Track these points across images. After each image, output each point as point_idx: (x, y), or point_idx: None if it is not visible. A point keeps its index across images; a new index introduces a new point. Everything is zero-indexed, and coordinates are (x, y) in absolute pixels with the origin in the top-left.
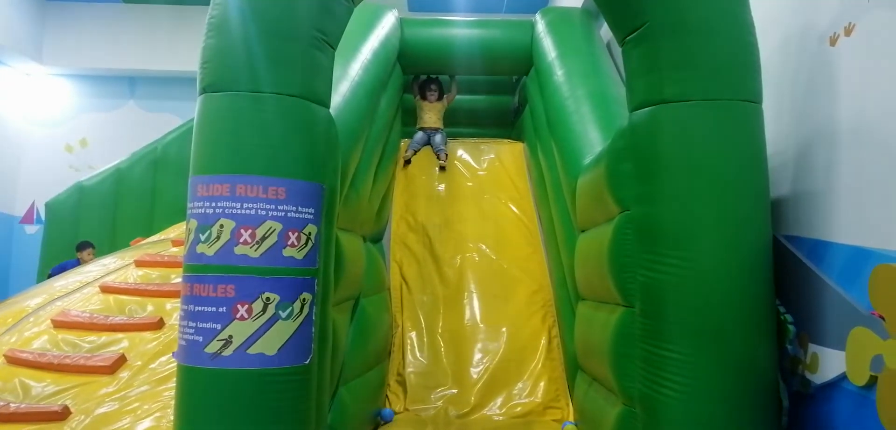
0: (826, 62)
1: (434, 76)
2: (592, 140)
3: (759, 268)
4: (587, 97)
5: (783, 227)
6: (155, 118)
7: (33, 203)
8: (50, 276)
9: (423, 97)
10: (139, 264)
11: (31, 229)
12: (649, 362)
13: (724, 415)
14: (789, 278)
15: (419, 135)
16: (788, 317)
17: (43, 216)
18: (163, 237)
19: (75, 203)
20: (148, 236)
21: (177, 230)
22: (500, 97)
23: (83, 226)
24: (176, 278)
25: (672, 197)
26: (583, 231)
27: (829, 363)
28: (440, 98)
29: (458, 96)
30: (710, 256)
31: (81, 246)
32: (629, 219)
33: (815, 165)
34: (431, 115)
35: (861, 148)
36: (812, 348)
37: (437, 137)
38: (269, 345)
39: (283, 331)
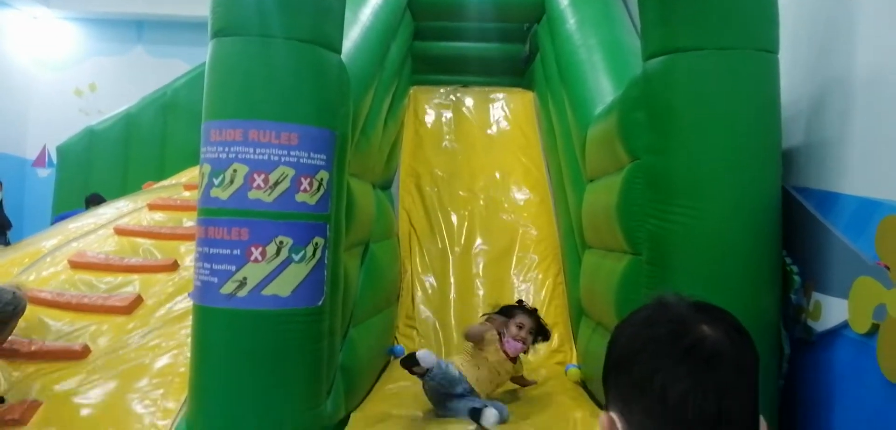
0: (844, 8)
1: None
2: (604, 90)
3: (767, 219)
4: (599, 46)
5: (793, 178)
6: (163, 64)
7: (44, 147)
8: (86, 204)
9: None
10: (152, 207)
11: (43, 173)
12: None
13: None
14: (797, 229)
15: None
16: (794, 267)
17: (54, 160)
18: (174, 182)
19: (86, 147)
20: (159, 180)
21: (188, 175)
22: (511, 45)
23: (94, 169)
24: (188, 221)
25: (683, 147)
26: (591, 181)
27: (832, 312)
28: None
29: (468, 44)
30: (720, 206)
31: (94, 199)
32: (639, 168)
33: (828, 116)
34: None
35: (877, 98)
36: (816, 296)
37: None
38: (283, 287)
39: (297, 273)
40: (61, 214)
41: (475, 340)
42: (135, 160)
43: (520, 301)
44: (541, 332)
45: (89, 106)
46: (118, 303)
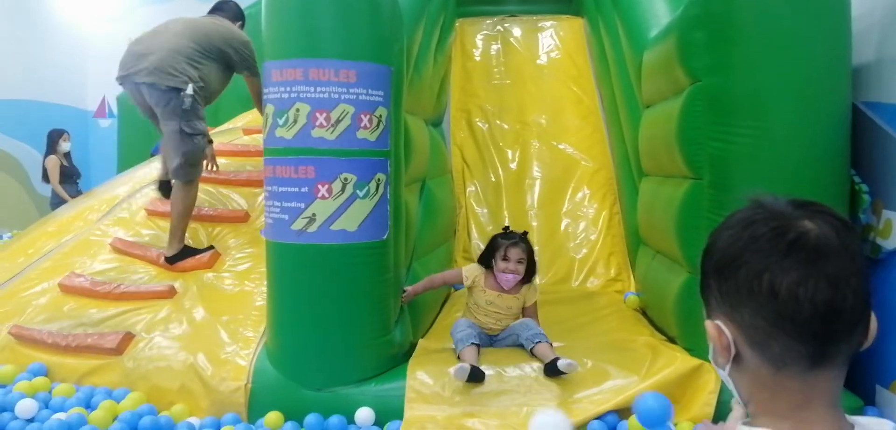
0: None
1: (516, 240)
2: (659, 11)
3: (834, 137)
4: None
5: (864, 93)
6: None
7: (104, 98)
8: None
9: (489, 266)
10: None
11: (105, 123)
12: None
13: None
14: (867, 145)
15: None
16: (863, 186)
17: (115, 110)
18: (231, 126)
19: None
20: (214, 126)
21: (243, 119)
22: None
23: None
24: (249, 166)
25: (746, 65)
26: (648, 107)
27: None
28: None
29: None
30: (784, 126)
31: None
32: (700, 90)
33: None
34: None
35: None
36: (886, 214)
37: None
38: (350, 222)
39: (362, 209)
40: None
41: (443, 285)
42: None
43: (505, 228)
44: (530, 262)
45: None
46: (199, 261)
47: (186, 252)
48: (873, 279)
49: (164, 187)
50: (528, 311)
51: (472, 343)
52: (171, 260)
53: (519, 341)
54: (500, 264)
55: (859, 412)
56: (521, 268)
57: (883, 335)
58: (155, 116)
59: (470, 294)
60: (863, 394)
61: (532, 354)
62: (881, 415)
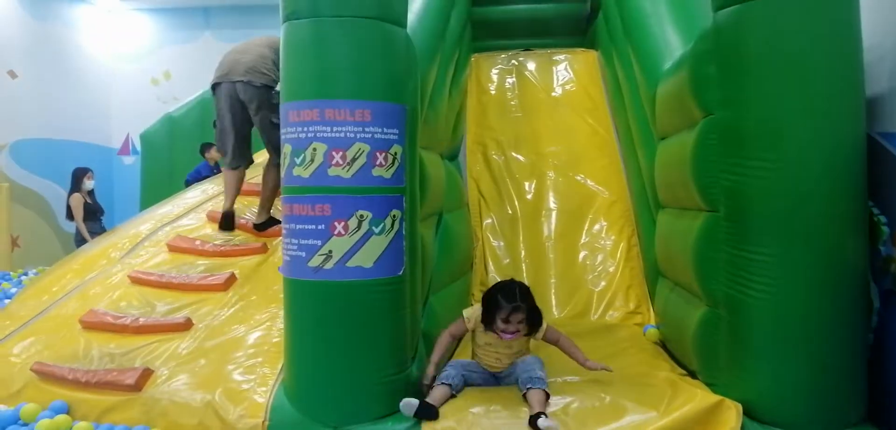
0: None
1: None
2: (672, 44)
3: (850, 167)
4: None
5: (879, 124)
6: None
7: (128, 136)
8: (186, 184)
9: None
10: (245, 193)
11: (129, 160)
12: (734, 264)
13: (810, 315)
14: (885, 176)
15: (449, 368)
16: (882, 218)
17: (138, 147)
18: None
19: (167, 133)
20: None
21: (265, 156)
22: (572, 4)
23: (176, 154)
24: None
25: (758, 98)
26: (663, 139)
27: None
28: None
29: (527, 6)
30: (798, 156)
31: (206, 147)
32: (713, 123)
33: None
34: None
35: None
36: None
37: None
38: (366, 258)
39: (378, 245)
40: (193, 171)
41: (453, 339)
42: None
43: (511, 280)
44: (533, 317)
45: (165, 94)
46: (215, 282)
47: (272, 221)
48: (893, 313)
49: (227, 221)
50: (562, 345)
51: (444, 384)
52: (260, 227)
53: (517, 382)
54: (500, 325)
55: None
56: (524, 327)
57: None
58: (237, 113)
59: (472, 335)
60: (889, 429)
61: (524, 398)
62: None
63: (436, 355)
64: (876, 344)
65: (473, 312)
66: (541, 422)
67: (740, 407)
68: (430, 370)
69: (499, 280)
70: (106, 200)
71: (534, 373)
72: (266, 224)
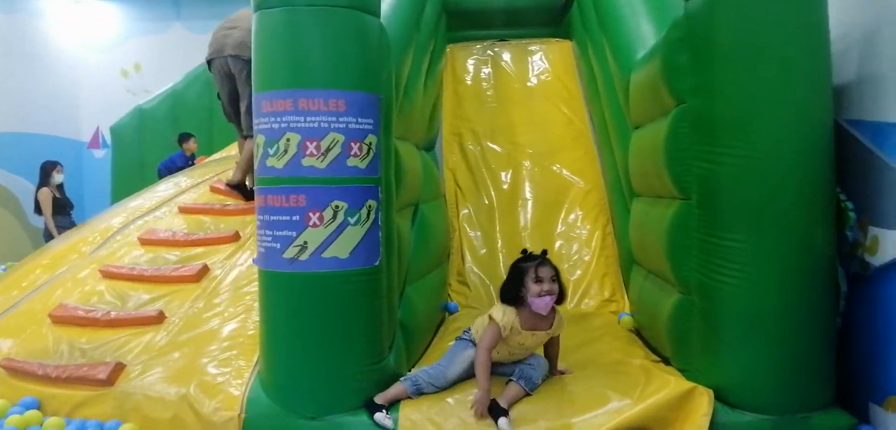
0: None
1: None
2: (645, 34)
3: (819, 154)
4: None
5: (846, 111)
6: (202, 39)
7: (97, 128)
8: (159, 173)
9: (517, 300)
10: (213, 190)
11: (99, 153)
12: (706, 251)
13: (780, 301)
14: (851, 163)
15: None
16: (849, 203)
17: (108, 141)
18: (225, 155)
19: (137, 126)
20: (208, 154)
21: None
22: None
23: (147, 147)
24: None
25: (729, 87)
26: (637, 128)
27: (890, 245)
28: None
29: None
30: (769, 144)
31: (184, 137)
32: (685, 111)
33: (882, 46)
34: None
35: None
36: (872, 231)
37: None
38: (342, 249)
39: (353, 236)
40: (166, 160)
41: (492, 348)
42: None
43: (524, 251)
44: (559, 281)
45: (135, 86)
46: (187, 273)
47: (244, 189)
48: (862, 296)
49: (242, 188)
50: (553, 342)
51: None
52: (234, 186)
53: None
54: (533, 287)
55: (852, 429)
56: (556, 287)
57: (875, 352)
58: (233, 87)
59: (504, 343)
60: (856, 412)
61: (505, 385)
62: None
63: (485, 381)
64: (843, 328)
65: (506, 317)
66: (501, 422)
67: (712, 393)
68: (483, 399)
69: (477, 270)
70: (75, 195)
71: (529, 372)
72: (239, 188)
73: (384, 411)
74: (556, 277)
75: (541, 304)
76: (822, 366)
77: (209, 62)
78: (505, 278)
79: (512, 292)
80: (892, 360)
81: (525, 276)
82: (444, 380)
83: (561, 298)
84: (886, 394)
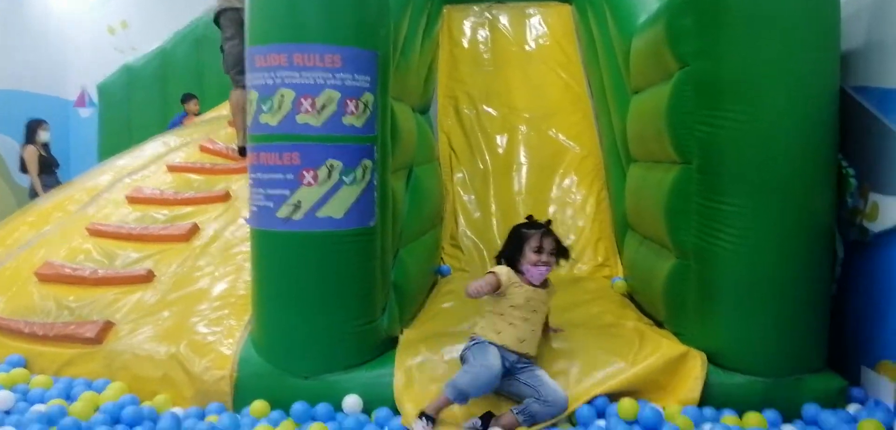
0: None
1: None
2: None
3: (823, 121)
4: None
5: (852, 78)
6: None
7: (83, 87)
8: (169, 128)
9: (517, 267)
10: (203, 149)
11: (85, 112)
12: (705, 215)
13: (777, 266)
14: (855, 129)
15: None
16: (851, 170)
17: (95, 99)
18: (216, 115)
19: (125, 84)
20: (199, 114)
21: (227, 107)
22: None
23: (135, 106)
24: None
25: (734, 50)
26: (636, 92)
27: (890, 212)
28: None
29: None
30: (773, 109)
31: (186, 97)
32: (689, 75)
33: (890, 13)
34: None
35: None
36: (873, 197)
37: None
38: (336, 209)
39: (348, 195)
40: (170, 122)
41: (480, 295)
42: (173, 95)
43: (529, 217)
44: (560, 249)
45: (123, 44)
46: (177, 232)
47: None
48: (858, 263)
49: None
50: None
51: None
52: (243, 151)
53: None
54: (530, 256)
55: (843, 392)
56: (553, 260)
57: (869, 317)
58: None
59: (501, 300)
60: (848, 375)
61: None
62: (866, 395)
63: (479, 284)
64: (837, 294)
65: (502, 270)
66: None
67: (705, 356)
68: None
69: (470, 234)
70: (62, 154)
71: (534, 409)
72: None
73: (425, 420)
74: (557, 247)
75: (535, 273)
76: (816, 330)
77: (219, 15)
78: (505, 239)
79: (508, 255)
80: (886, 325)
81: (525, 243)
82: (490, 374)
83: (565, 254)
84: (879, 358)
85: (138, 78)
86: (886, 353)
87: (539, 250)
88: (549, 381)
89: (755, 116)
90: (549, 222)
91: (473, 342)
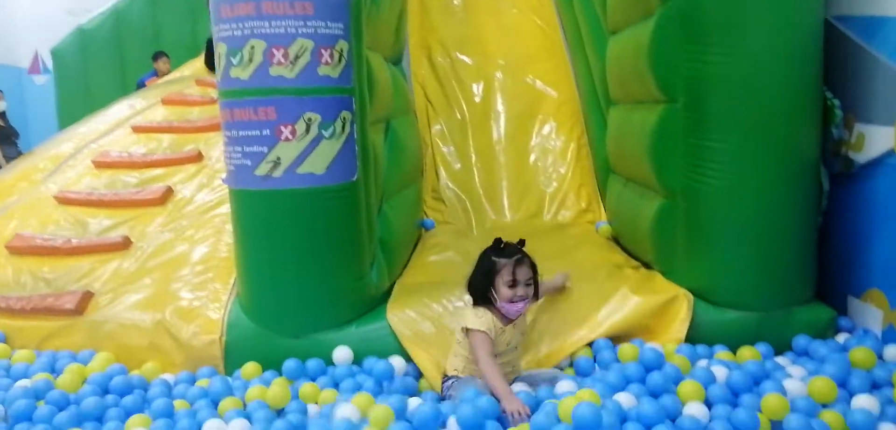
0: None
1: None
2: None
3: (809, 53)
4: None
5: (836, 7)
6: None
7: (36, 52)
8: (137, 86)
9: (495, 295)
10: (166, 102)
11: (40, 79)
12: (692, 154)
13: (765, 201)
14: (839, 60)
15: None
16: (836, 101)
17: (49, 65)
18: (179, 76)
19: (79, 48)
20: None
21: (190, 68)
22: None
23: (91, 70)
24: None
25: None
26: (614, 33)
27: (876, 141)
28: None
29: None
30: (759, 44)
31: (157, 55)
32: (672, 11)
33: None
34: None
35: None
36: (858, 127)
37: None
38: (317, 164)
39: (329, 150)
40: (140, 79)
41: (495, 367)
42: (130, 58)
43: (497, 241)
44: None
45: (75, 5)
46: (151, 196)
47: None
48: (844, 194)
49: None
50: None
51: None
52: None
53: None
54: (504, 291)
55: (832, 322)
56: (530, 290)
57: (856, 247)
58: None
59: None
60: (835, 305)
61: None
62: (853, 325)
63: (502, 385)
64: (824, 225)
65: (483, 319)
66: None
67: (691, 298)
68: (512, 399)
69: (452, 186)
70: (20, 124)
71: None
72: None
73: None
74: (534, 275)
75: (512, 310)
76: (805, 263)
77: None
78: (474, 267)
79: (480, 288)
80: (872, 254)
81: (496, 276)
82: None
83: (535, 295)
84: (866, 287)
85: (93, 40)
86: (873, 282)
87: (514, 284)
88: (542, 372)
89: (741, 50)
90: (522, 241)
91: (449, 381)
